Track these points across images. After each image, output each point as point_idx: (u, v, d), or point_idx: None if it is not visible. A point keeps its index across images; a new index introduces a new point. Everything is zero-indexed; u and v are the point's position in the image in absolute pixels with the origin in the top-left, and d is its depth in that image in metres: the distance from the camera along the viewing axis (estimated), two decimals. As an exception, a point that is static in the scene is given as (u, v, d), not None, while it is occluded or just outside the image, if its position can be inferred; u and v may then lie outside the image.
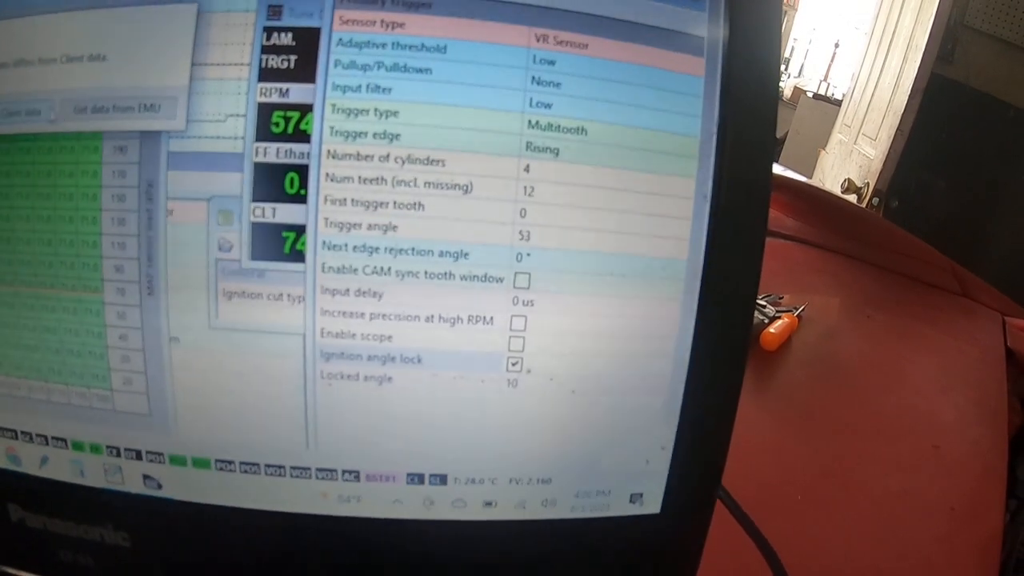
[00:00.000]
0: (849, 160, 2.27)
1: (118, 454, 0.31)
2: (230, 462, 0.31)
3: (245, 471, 0.31)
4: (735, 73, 0.30)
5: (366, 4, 0.28)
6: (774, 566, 0.44)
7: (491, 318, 0.30)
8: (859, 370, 0.92)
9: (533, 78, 0.29)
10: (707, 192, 0.30)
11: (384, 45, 0.28)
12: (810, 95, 4.25)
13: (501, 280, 0.30)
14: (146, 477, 0.32)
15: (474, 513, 0.33)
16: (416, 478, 0.32)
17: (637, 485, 0.34)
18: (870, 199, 2.01)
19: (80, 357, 0.30)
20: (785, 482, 0.63)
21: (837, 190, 2.11)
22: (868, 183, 2.05)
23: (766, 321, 0.85)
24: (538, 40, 0.29)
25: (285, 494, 0.32)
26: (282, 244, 0.28)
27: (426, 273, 0.29)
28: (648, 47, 0.30)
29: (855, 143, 2.27)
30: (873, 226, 1.51)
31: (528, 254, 0.29)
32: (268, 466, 0.31)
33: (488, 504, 0.33)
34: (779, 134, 4.69)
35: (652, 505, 0.34)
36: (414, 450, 0.32)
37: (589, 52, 0.29)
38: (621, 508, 0.34)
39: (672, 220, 0.30)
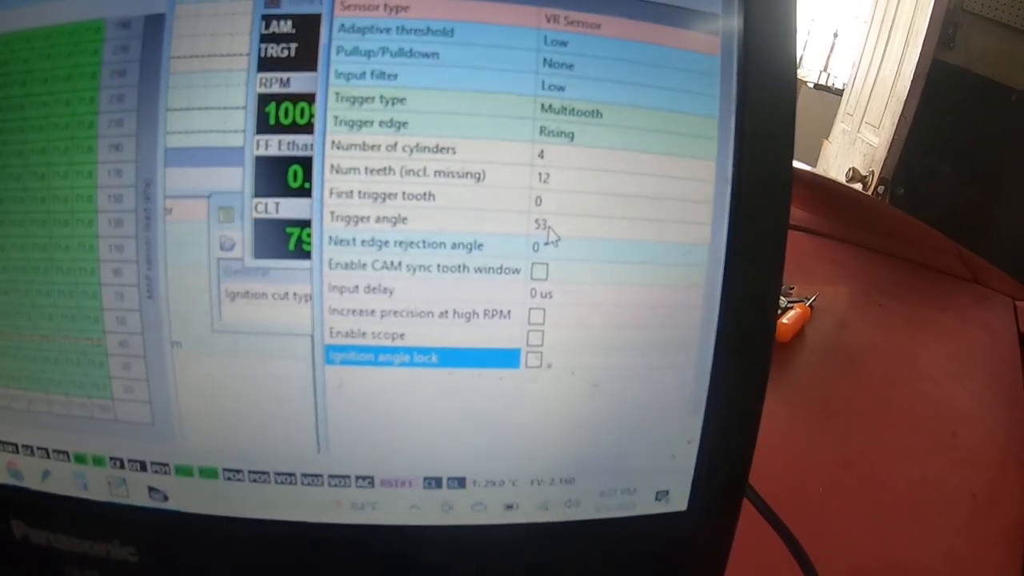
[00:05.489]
0: (853, 149, 2.29)
1: (122, 466, 0.31)
2: (238, 471, 0.31)
3: (254, 480, 0.31)
4: (752, 51, 0.30)
5: (368, -13, 0.27)
6: (802, 562, 0.44)
7: (508, 312, 0.29)
8: (873, 359, 0.92)
9: (545, 60, 0.28)
10: (728, 174, 0.30)
11: (388, 30, 0.27)
12: (811, 85, 4.30)
13: (518, 271, 0.29)
14: (152, 489, 0.31)
15: (495, 517, 0.33)
16: (433, 482, 0.31)
17: (663, 482, 0.34)
18: (875, 187, 2.03)
19: (79, 366, 0.29)
20: (806, 474, 0.64)
21: (842, 179, 2.13)
22: (873, 171, 2.06)
23: (778, 312, 0.84)
24: (548, 20, 0.28)
25: (297, 503, 0.31)
26: (286, 240, 0.28)
27: (439, 266, 0.28)
28: (662, 26, 0.29)
29: (858, 132, 2.28)
30: (880, 213, 1.53)
31: (545, 243, 0.29)
32: (278, 474, 0.31)
33: (509, 507, 0.32)
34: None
35: (679, 502, 0.34)
36: (431, 453, 0.31)
37: (602, 32, 0.28)
38: (647, 506, 0.34)
39: (693, 204, 0.30)
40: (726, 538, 0.36)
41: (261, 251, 0.28)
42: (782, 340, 0.83)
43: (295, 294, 0.28)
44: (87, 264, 0.28)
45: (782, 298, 0.89)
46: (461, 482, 0.31)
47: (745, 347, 0.32)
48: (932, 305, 1.17)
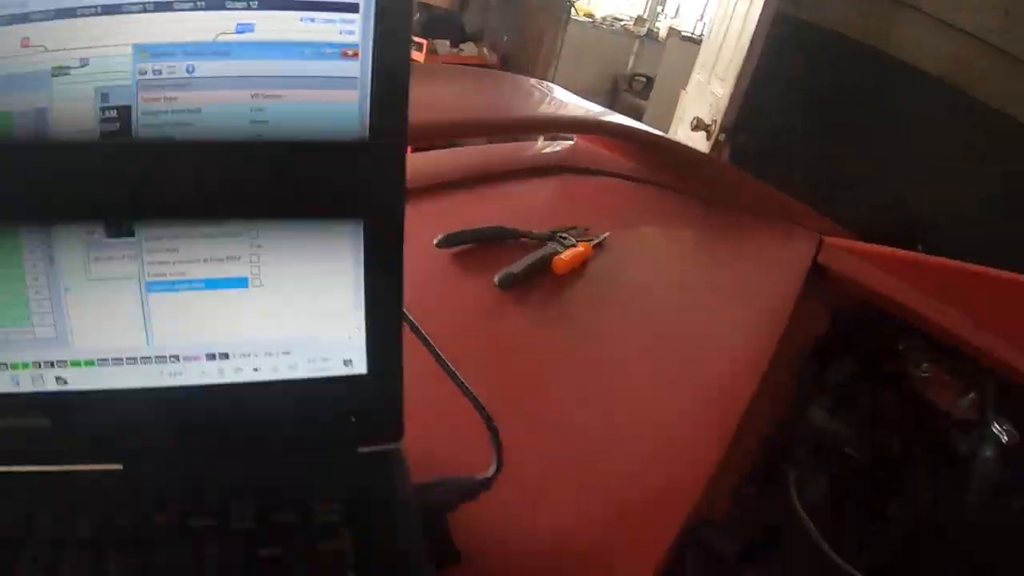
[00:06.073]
0: (702, 99, 2.24)
1: (39, 366, 0.42)
2: (105, 360, 0.43)
3: (115, 364, 0.43)
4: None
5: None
6: (475, 403, 0.51)
7: (239, 256, 0.42)
8: (645, 292, 0.97)
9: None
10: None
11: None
12: (681, 37, 4.14)
13: (241, 235, 0.42)
14: (58, 378, 0.42)
15: (247, 376, 0.45)
16: (211, 356, 0.44)
17: (347, 353, 0.45)
18: (717, 135, 2.01)
19: (14, 308, 0.41)
20: (546, 399, 0.68)
21: (688, 128, 2.10)
22: (715, 120, 2.04)
23: (561, 250, 0.93)
24: (252, 97, 0.39)
25: (138, 375, 0.43)
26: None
27: (202, 234, 0.41)
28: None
29: (708, 83, 2.24)
30: (708, 166, 1.54)
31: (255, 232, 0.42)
32: (128, 359, 0.43)
33: (256, 370, 0.45)
34: (651, 74, 4.63)
35: (360, 367, 0.46)
36: (209, 339, 0.43)
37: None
38: (340, 369, 0.46)
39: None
40: (397, 391, 0.46)
41: (109, 234, 0.40)
42: (557, 273, 0.90)
43: (129, 256, 0.41)
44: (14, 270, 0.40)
45: (569, 237, 0.97)
46: (226, 356, 0.44)
47: (384, 270, 0.44)
48: (730, 242, 1.20)
